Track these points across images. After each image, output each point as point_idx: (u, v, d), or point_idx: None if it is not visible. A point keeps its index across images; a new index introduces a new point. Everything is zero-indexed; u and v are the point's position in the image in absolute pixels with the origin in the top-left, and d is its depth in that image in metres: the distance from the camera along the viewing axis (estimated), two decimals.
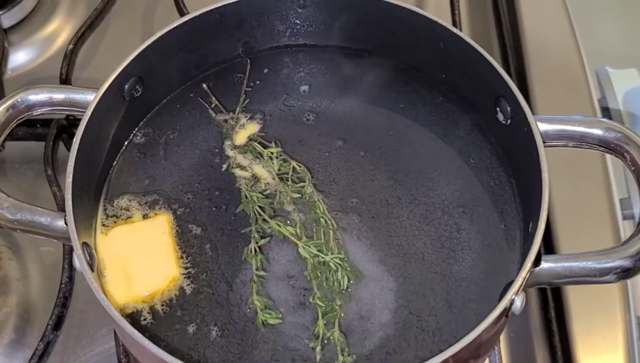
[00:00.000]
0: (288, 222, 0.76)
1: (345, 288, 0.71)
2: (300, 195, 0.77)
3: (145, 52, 0.78)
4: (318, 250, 0.73)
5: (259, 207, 0.76)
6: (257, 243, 0.74)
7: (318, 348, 0.68)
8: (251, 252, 0.73)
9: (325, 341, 0.69)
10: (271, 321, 0.70)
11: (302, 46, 0.89)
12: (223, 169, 0.80)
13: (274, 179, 0.79)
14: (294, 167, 0.79)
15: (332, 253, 0.73)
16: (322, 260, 0.72)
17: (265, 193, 0.78)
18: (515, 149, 0.77)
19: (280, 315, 0.70)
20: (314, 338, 0.69)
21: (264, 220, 0.75)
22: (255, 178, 0.79)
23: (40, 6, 1.08)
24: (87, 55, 1.03)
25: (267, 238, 0.75)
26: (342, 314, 0.70)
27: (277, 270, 0.73)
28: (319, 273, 0.72)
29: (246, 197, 0.77)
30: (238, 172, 0.80)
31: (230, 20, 0.84)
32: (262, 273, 0.73)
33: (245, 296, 0.72)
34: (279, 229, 0.75)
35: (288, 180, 0.78)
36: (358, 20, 0.85)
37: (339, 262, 0.72)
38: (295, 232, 0.74)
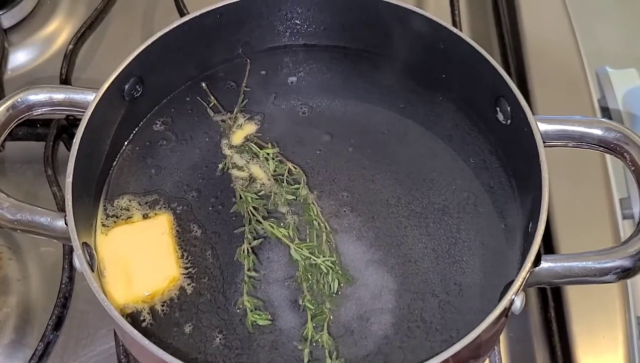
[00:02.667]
0: (281, 223, 0.75)
1: (335, 291, 0.71)
2: (294, 197, 0.77)
3: (145, 52, 0.78)
4: (310, 253, 0.72)
5: (253, 207, 0.76)
6: (250, 244, 0.74)
7: (306, 351, 0.68)
8: (243, 252, 0.73)
9: (314, 344, 0.69)
10: (260, 322, 0.70)
11: (302, 46, 0.89)
12: (219, 169, 0.80)
13: (269, 180, 0.78)
14: (289, 169, 0.79)
15: (323, 256, 0.72)
16: (314, 262, 0.72)
17: (260, 194, 0.78)
18: (515, 149, 0.77)
19: (269, 316, 0.70)
20: (303, 340, 0.69)
21: (258, 221, 0.75)
22: (251, 178, 0.79)
23: (40, 6, 1.08)
24: (87, 55, 1.03)
25: (260, 239, 0.75)
26: (342, 314, 0.70)
27: (272, 271, 0.73)
28: (309, 276, 0.72)
29: (241, 197, 0.77)
30: (234, 172, 0.80)
31: (230, 20, 0.84)
32: (253, 274, 0.73)
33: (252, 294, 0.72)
34: (271, 231, 0.74)
35: (283, 182, 0.78)
36: (358, 20, 0.85)
37: (330, 265, 0.72)
38: (288, 233, 0.74)
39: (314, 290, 0.71)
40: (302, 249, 0.73)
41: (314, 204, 0.76)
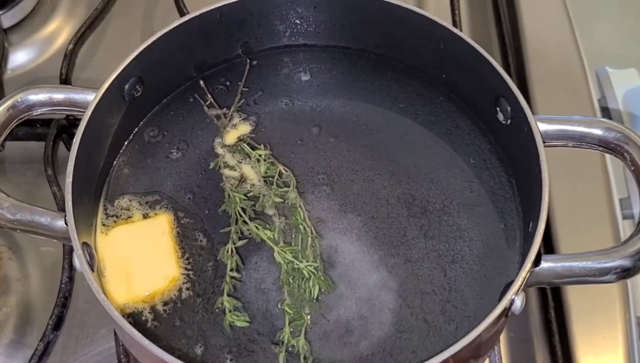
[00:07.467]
0: (267, 225, 0.75)
1: (315, 297, 0.71)
2: (282, 200, 0.77)
3: (145, 52, 0.78)
4: (293, 257, 0.72)
5: (241, 208, 0.76)
6: (234, 244, 0.74)
7: (281, 355, 0.68)
8: (227, 252, 0.73)
9: (290, 348, 0.68)
10: (238, 323, 0.70)
11: (302, 46, 0.89)
12: (210, 167, 0.80)
13: (259, 181, 0.78)
14: (280, 171, 0.79)
15: (307, 261, 0.72)
16: (297, 267, 0.72)
17: (248, 195, 0.77)
18: (515, 149, 0.77)
19: (247, 317, 0.70)
20: (280, 344, 0.69)
21: (244, 221, 0.75)
22: (242, 179, 0.79)
23: (40, 6, 1.08)
24: (87, 55, 1.03)
25: (245, 240, 0.74)
26: (342, 314, 0.70)
27: (256, 273, 0.73)
28: (291, 280, 0.71)
29: (229, 197, 0.77)
30: (226, 171, 0.79)
31: (230, 20, 0.84)
32: (235, 274, 0.72)
33: (245, 296, 0.72)
34: (257, 232, 0.74)
35: (273, 184, 0.78)
36: (358, 20, 0.85)
37: (313, 270, 0.71)
38: (274, 236, 0.74)
39: (295, 294, 0.71)
40: (285, 253, 0.72)
41: (301, 208, 0.76)
